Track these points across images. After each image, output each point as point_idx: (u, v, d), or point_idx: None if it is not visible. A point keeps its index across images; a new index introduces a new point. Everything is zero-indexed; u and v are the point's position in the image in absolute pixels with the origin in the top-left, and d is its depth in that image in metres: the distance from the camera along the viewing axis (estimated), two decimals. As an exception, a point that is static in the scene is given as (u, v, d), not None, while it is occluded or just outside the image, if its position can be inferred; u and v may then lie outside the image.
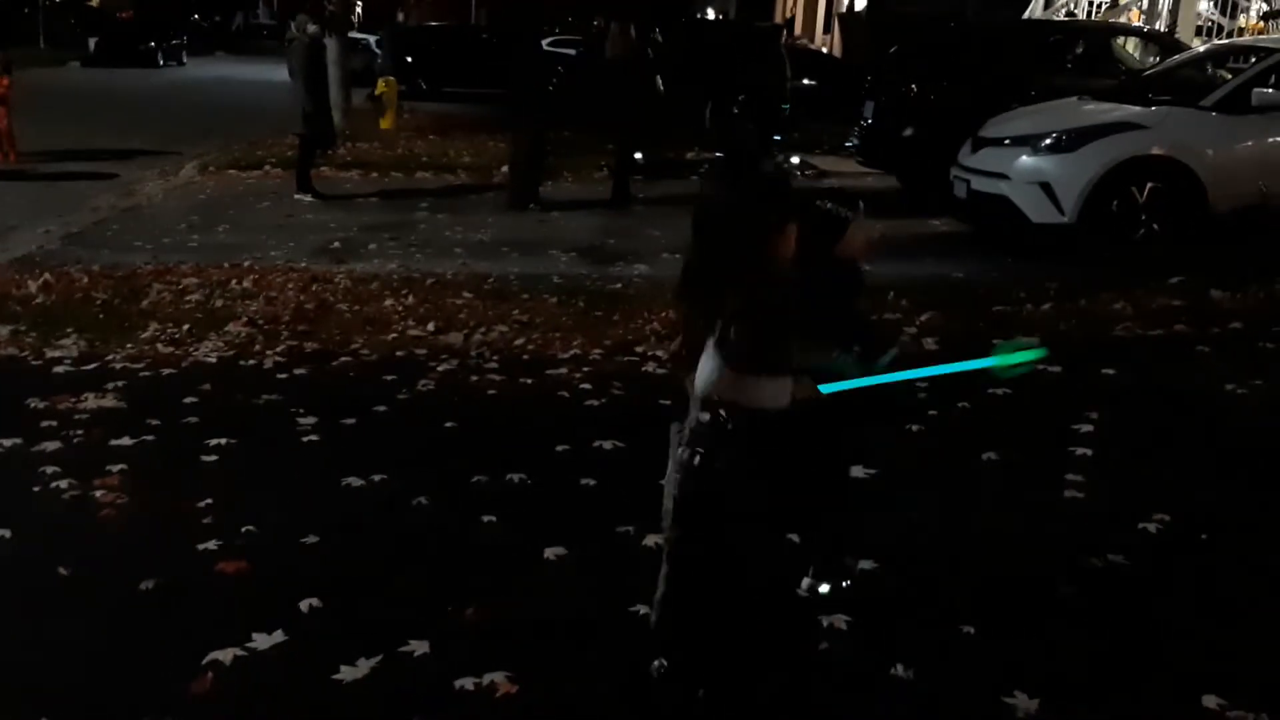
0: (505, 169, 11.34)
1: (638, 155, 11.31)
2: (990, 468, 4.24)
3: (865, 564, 3.38)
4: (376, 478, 4.04)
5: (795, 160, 13.14)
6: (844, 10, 27.47)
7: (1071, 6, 16.76)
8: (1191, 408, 4.96)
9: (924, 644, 2.98)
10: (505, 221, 9.62)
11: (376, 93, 16.82)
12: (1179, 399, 5.06)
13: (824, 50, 25.74)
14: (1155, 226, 7.89)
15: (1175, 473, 4.19)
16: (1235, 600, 3.28)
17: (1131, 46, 12.24)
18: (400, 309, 6.47)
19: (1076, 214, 7.89)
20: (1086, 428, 4.57)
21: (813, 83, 18.01)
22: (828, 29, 30.05)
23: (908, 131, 10.52)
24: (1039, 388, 4.79)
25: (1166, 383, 5.27)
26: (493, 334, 5.96)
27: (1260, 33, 13.74)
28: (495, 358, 5.54)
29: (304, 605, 3.14)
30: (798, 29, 33.33)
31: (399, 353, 5.63)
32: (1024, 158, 8.22)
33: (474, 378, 5.25)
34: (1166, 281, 7.02)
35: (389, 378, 5.21)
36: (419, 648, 2.94)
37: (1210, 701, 2.74)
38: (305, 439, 4.47)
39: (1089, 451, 4.35)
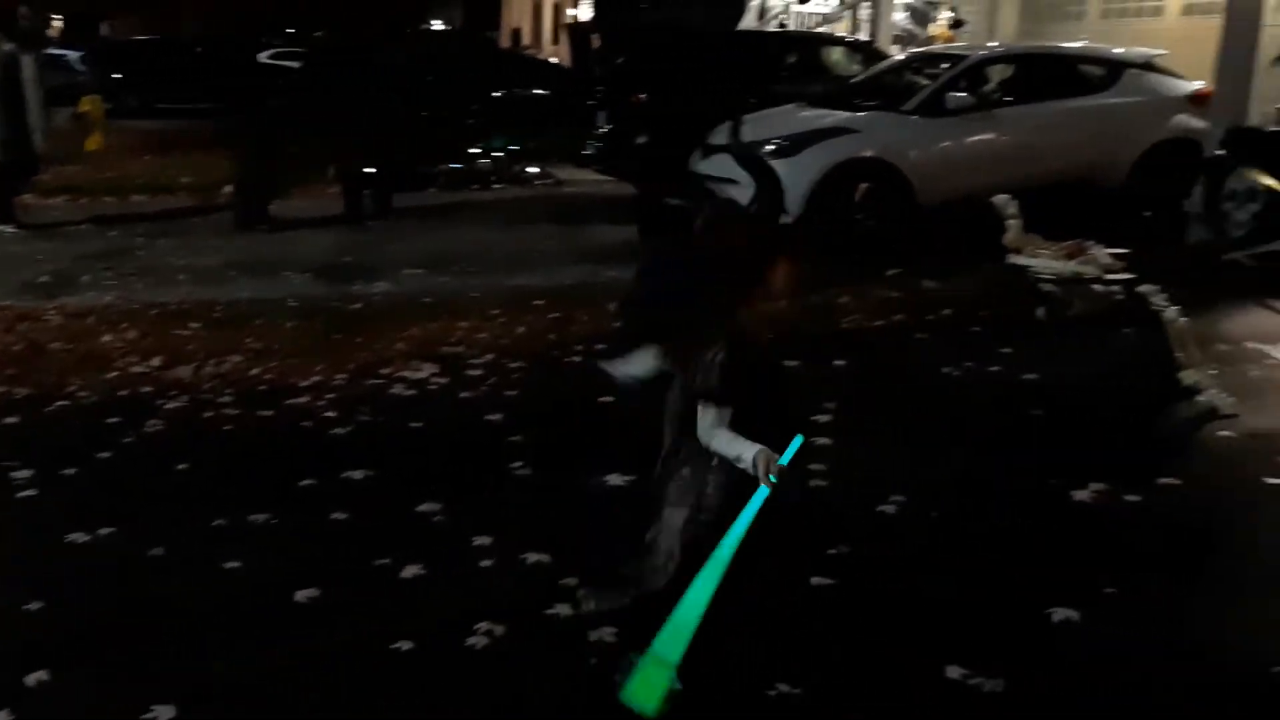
0: (230, 188, 10.81)
1: (369, 169, 11.02)
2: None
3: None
4: (104, 531, 3.74)
5: (534, 170, 13.21)
6: (572, 20, 27.83)
7: (784, 19, 17.66)
8: (916, 392, 5.32)
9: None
10: (233, 243, 9.17)
11: (80, 111, 15.68)
12: (904, 385, 5.42)
13: (554, 60, 25.99)
14: (871, 223, 8.43)
15: (905, 455, 4.46)
16: (969, 571, 3.52)
17: (839, 55, 13.00)
18: (121, 344, 6.04)
19: (800, 213, 8.31)
20: (825, 418, 4.80)
21: (545, 92, 18.14)
22: (556, 39, 30.37)
23: (641, 139, 10.77)
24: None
25: (892, 370, 5.64)
26: (225, 365, 5.66)
27: (949, 40, 14.91)
28: (229, 390, 5.26)
29: (31, 680, 2.87)
30: (525, 39, 33.53)
31: (122, 392, 5.25)
32: (750, 163, 8.57)
33: (207, 413, 4.96)
34: (884, 274, 7.51)
35: (112, 420, 4.85)
36: (164, 714, 2.73)
37: (954, 672, 2.93)
38: (21, 494, 4.09)
39: (829, 441, 4.57)
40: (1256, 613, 3.27)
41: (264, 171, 10.22)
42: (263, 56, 19.28)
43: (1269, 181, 7.06)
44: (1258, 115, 8.26)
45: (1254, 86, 8.49)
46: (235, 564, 3.53)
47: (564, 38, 26.85)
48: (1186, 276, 6.67)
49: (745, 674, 2.92)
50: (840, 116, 8.85)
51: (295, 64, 19.81)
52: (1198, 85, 9.23)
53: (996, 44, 12.84)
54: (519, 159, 13.62)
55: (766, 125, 9.01)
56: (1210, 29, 9.26)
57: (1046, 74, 9.53)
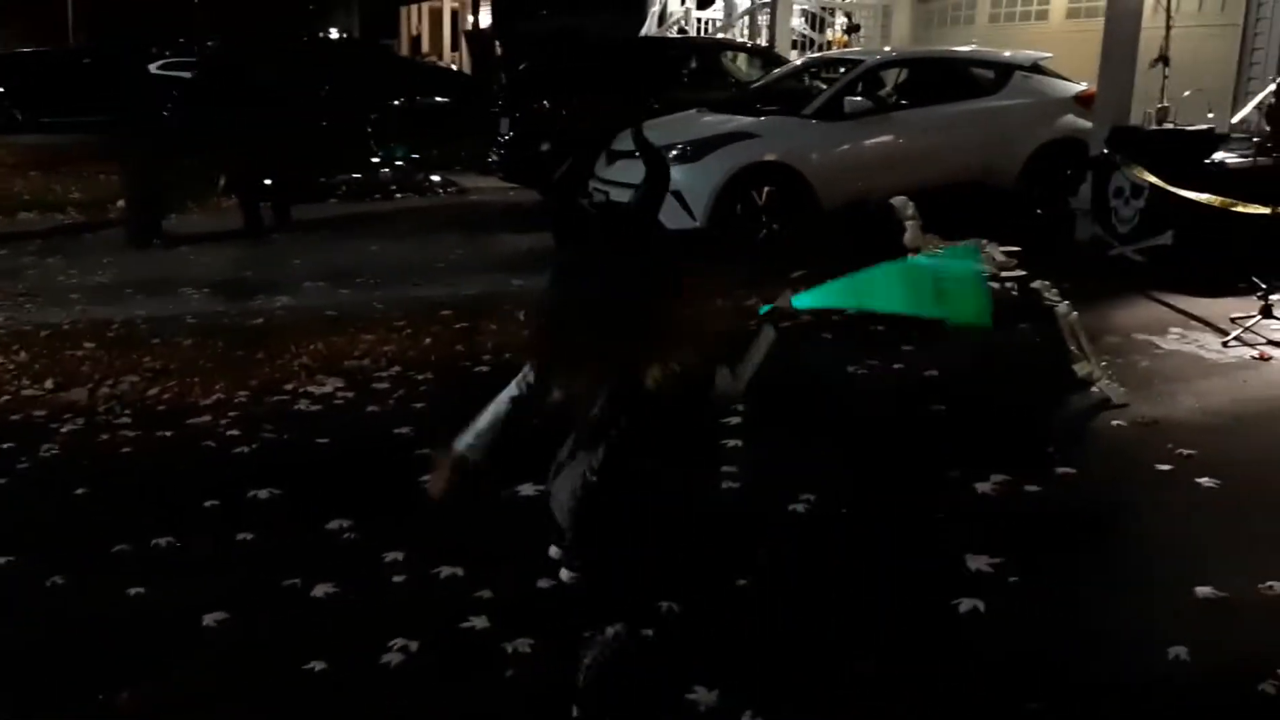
0: (121, 203, 10.51)
1: (266, 181, 10.80)
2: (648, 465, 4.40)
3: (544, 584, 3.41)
4: (1, 561, 3.62)
5: (437, 179, 13.10)
6: (471, 28, 27.69)
7: (683, 24, 17.80)
8: (822, 391, 5.41)
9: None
10: (126, 261, 8.90)
11: (-40, 126, 15.12)
12: (811, 384, 5.51)
13: (455, 67, 25.82)
14: (775, 226, 8.55)
15: (814, 452, 4.54)
16: (878, 565, 3.59)
17: (739, 60, 13.15)
18: (11, 367, 5.83)
19: (706, 218, 8.39)
20: (735, 419, 4.85)
21: (446, 100, 18.01)
22: (455, 47, 30.18)
23: (544, 146, 10.76)
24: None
25: (800, 370, 5.71)
26: (122, 386, 5.49)
27: (845, 45, 15.19)
28: (127, 412, 5.12)
29: (-78, 719, 2.77)
30: (425, 47, 33.25)
31: (14, 417, 5.07)
32: (654, 168, 8.61)
33: (104, 436, 4.82)
34: (790, 276, 7.60)
35: (4, 446, 4.69)
36: (68, 747, 2.67)
37: (866, 667, 2.99)
38: (-94, 528, 3.93)
39: (739, 442, 4.62)
40: (1153, 597, 3.40)
41: (156, 186, 9.94)
42: (153, 67, 18.78)
43: (1151, 178, 7.32)
44: (1139, 115, 8.56)
45: (1135, 87, 8.79)
46: (139, 590, 3.43)
47: (464, 45, 26.70)
48: (1076, 272, 6.91)
49: (664, 677, 2.94)
50: (742, 121, 8.95)
51: (187, 74, 19.35)
52: (1083, 86, 9.54)
53: (890, 49, 13.11)
54: (421, 168, 13.50)
55: (668, 131, 9.06)
56: (1094, 32, 9.56)
57: (939, 77, 9.77)
